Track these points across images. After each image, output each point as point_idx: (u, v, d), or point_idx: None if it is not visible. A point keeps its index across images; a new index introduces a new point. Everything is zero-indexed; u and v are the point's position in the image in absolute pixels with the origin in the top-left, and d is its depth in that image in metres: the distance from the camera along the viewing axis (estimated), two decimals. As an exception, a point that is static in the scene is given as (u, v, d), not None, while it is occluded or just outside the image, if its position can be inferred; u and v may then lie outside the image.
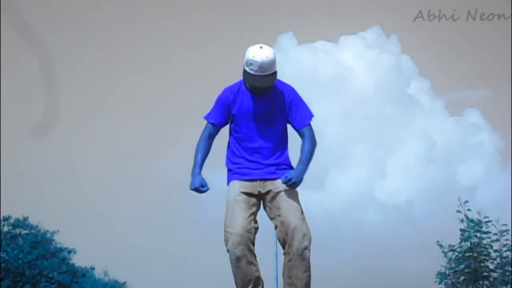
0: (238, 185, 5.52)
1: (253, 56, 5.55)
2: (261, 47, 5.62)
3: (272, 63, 5.65)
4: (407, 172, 31.26)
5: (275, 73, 5.75)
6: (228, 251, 5.35)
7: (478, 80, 35.39)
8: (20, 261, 14.55)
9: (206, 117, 5.72)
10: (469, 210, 11.84)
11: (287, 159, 5.79)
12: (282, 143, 5.79)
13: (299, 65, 33.77)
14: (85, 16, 31.92)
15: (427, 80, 33.58)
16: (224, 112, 5.67)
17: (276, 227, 5.57)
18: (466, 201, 11.88)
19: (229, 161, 5.72)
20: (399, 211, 30.12)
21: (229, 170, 5.69)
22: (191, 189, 5.47)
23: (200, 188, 5.45)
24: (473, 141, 32.45)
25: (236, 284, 5.42)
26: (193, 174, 5.51)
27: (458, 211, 11.86)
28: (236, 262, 5.32)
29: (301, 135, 5.82)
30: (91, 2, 33.00)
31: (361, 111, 32.43)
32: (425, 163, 31.55)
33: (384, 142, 32.62)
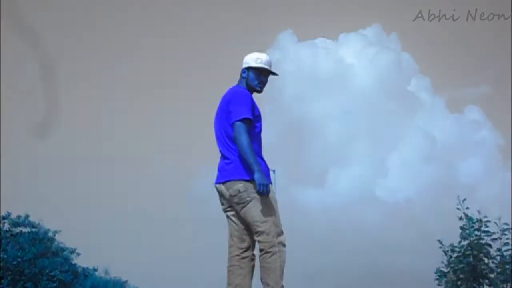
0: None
1: (258, 55, 5.96)
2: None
3: None
4: (407, 170, 31.25)
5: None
6: (282, 244, 5.62)
7: (479, 78, 35.42)
8: (19, 259, 14.58)
9: (247, 115, 5.65)
10: (467, 208, 11.86)
11: None
12: None
13: (299, 63, 33.77)
14: (86, 11, 31.93)
15: (427, 78, 33.57)
16: (252, 111, 5.77)
17: None
18: (465, 199, 11.90)
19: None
20: (399, 209, 30.10)
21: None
22: (264, 184, 5.47)
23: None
24: (473, 139, 32.46)
25: (279, 274, 5.62)
26: (262, 171, 5.54)
27: (458, 209, 11.88)
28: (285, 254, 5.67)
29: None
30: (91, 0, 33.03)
31: (361, 108, 32.42)
32: (425, 161, 31.55)
33: (384, 140, 32.61)
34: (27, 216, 16.47)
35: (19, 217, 16.42)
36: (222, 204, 5.89)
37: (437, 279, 12.04)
